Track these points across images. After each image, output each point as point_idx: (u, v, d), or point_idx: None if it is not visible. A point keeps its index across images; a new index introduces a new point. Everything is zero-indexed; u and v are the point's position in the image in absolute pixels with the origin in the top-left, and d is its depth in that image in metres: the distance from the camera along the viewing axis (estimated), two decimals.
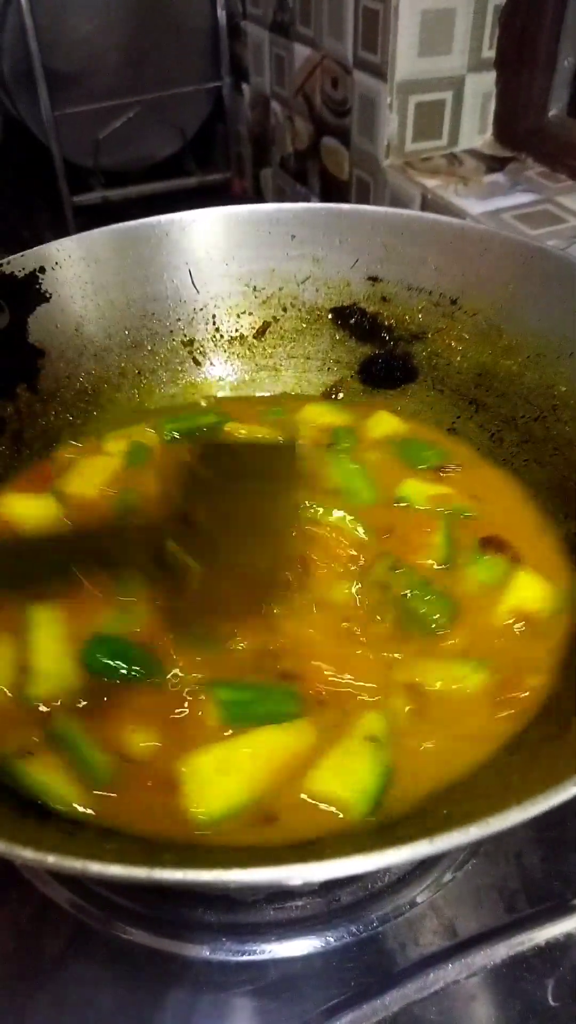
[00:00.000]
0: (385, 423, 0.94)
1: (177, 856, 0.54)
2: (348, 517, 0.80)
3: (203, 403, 1.02)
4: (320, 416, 0.97)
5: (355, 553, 0.76)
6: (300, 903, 0.66)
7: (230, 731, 0.62)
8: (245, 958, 0.64)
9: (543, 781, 0.44)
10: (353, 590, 0.73)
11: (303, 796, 0.58)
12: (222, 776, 0.58)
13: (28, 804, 0.58)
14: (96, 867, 0.40)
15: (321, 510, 0.82)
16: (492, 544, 0.76)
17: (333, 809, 0.58)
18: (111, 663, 0.66)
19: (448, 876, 0.68)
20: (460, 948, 0.60)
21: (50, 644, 0.68)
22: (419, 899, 0.67)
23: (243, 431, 0.95)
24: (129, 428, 0.95)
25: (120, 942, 0.65)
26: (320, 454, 0.91)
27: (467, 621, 0.71)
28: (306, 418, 0.97)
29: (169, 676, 0.66)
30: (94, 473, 0.88)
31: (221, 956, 0.64)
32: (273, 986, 0.62)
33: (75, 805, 0.58)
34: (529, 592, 0.72)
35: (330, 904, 0.66)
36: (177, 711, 0.64)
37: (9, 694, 0.65)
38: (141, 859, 0.40)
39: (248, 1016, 0.62)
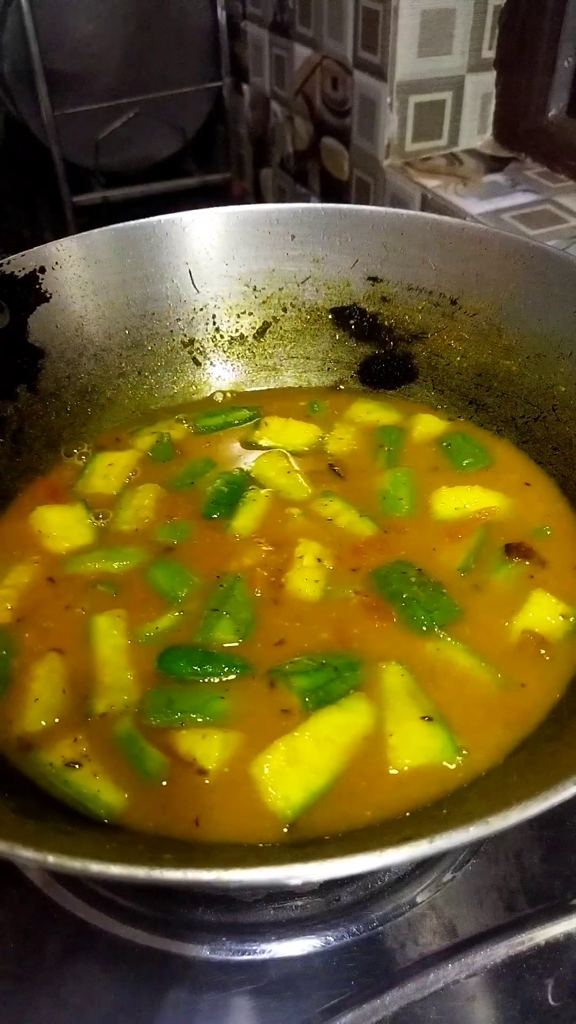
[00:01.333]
0: (430, 423, 0.94)
1: (177, 855, 0.54)
2: (361, 515, 0.81)
3: (219, 398, 1.03)
4: (367, 413, 0.97)
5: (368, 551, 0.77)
6: (300, 903, 0.66)
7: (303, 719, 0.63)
8: (245, 958, 0.64)
9: (543, 781, 0.44)
10: (351, 589, 0.74)
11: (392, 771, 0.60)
12: (294, 767, 0.59)
13: (32, 802, 0.58)
14: (96, 867, 0.40)
15: (332, 504, 0.83)
16: (517, 551, 0.76)
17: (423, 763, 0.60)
18: (194, 668, 0.67)
19: (448, 876, 0.68)
20: (460, 948, 0.60)
21: (112, 656, 0.69)
22: (419, 899, 0.67)
23: (279, 427, 0.95)
24: (158, 424, 0.97)
25: (120, 942, 0.65)
26: (367, 454, 0.91)
27: (480, 627, 0.71)
28: (351, 416, 0.97)
29: (247, 673, 0.67)
30: (113, 471, 0.89)
31: (221, 956, 0.64)
32: (273, 986, 0.62)
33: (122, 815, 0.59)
34: (546, 613, 0.71)
35: (330, 904, 0.66)
36: (252, 709, 0.65)
37: (56, 719, 0.65)
38: (141, 859, 0.40)
39: (248, 1016, 0.62)
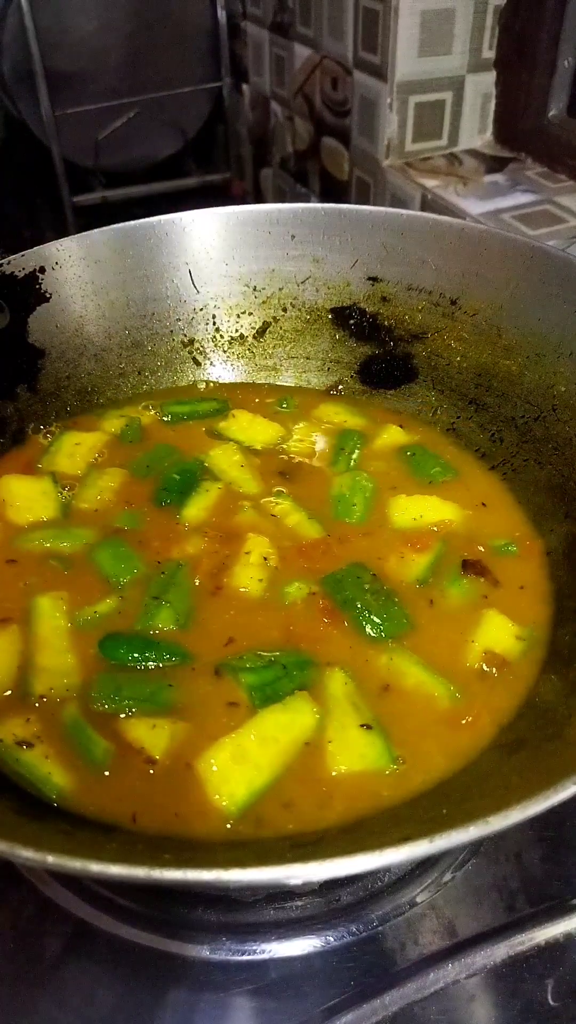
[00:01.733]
0: (395, 434, 0.94)
1: (176, 855, 0.54)
2: (310, 517, 0.81)
3: (201, 387, 1.03)
4: (334, 415, 0.97)
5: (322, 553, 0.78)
6: (300, 903, 0.66)
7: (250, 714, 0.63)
8: (245, 958, 0.64)
9: (543, 781, 0.44)
10: (304, 590, 0.74)
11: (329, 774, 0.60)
12: (239, 765, 0.59)
13: (32, 802, 0.58)
14: (96, 867, 0.40)
15: (282, 504, 0.83)
16: (474, 568, 0.76)
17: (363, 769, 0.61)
18: (135, 655, 0.67)
19: (448, 876, 0.68)
20: (460, 948, 0.60)
21: (52, 638, 0.69)
22: (419, 899, 0.67)
23: (245, 421, 0.95)
24: (126, 407, 0.97)
25: (120, 942, 0.65)
26: (326, 456, 0.91)
27: (431, 641, 0.70)
28: (318, 416, 0.97)
29: (188, 663, 0.67)
30: (79, 451, 0.89)
31: (221, 956, 0.64)
32: (273, 986, 0.62)
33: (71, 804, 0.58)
34: (500, 633, 0.71)
35: (330, 904, 0.66)
36: (200, 700, 0.65)
37: (9, 691, 0.65)
38: (141, 859, 0.40)
39: (248, 1016, 0.62)
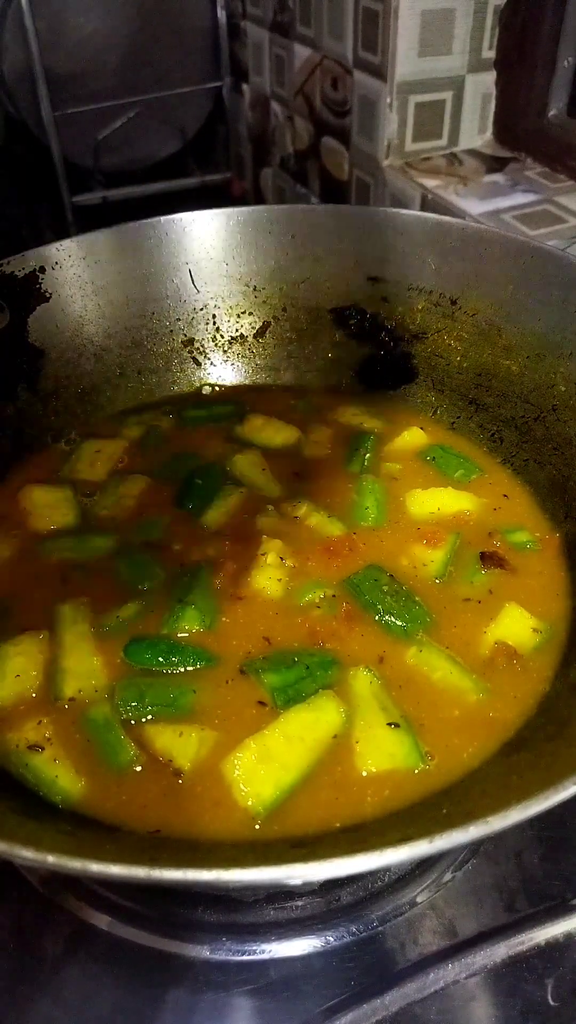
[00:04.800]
0: (414, 435, 0.94)
1: (175, 855, 0.54)
2: (329, 516, 0.81)
3: (206, 390, 1.03)
4: (352, 417, 0.97)
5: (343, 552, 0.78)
6: (300, 903, 0.66)
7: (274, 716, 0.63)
8: (245, 958, 0.64)
9: (543, 781, 0.44)
10: (321, 592, 0.74)
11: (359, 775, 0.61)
12: (265, 764, 0.59)
13: (34, 803, 0.58)
14: (96, 867, 0.40)
15: (302, 505, 0.83)
16: (492, 560, 0.76)
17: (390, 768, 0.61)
18: (160, 659, 0.68)
19: (448, 876, 0.68)
20: (460, 948, 0.60)
21: (77, 643, 0.69)
22: (419, 899, 0.67)
23: (260, 424, 0.95)
24: (145, 414, 0.98)
25: (120, 942, 0.65)
26: (342, 458, 0.91)
27: (452, 635, 0.71)
28: (335, 417, 0.97)
29: (213, 665, 0.68)
30: (100, 458, 0.90)
31: (221, 956, 0.64)
32: (273, 986, 0.62)
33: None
34: (516, 626, 0.71)
35: (330, 904, 0.66)
36: (226, 702, 0.65)
37: (34, 695, 0.66)
38: (141, 859, 0.40)
39: (248, 1016, 0.62)
